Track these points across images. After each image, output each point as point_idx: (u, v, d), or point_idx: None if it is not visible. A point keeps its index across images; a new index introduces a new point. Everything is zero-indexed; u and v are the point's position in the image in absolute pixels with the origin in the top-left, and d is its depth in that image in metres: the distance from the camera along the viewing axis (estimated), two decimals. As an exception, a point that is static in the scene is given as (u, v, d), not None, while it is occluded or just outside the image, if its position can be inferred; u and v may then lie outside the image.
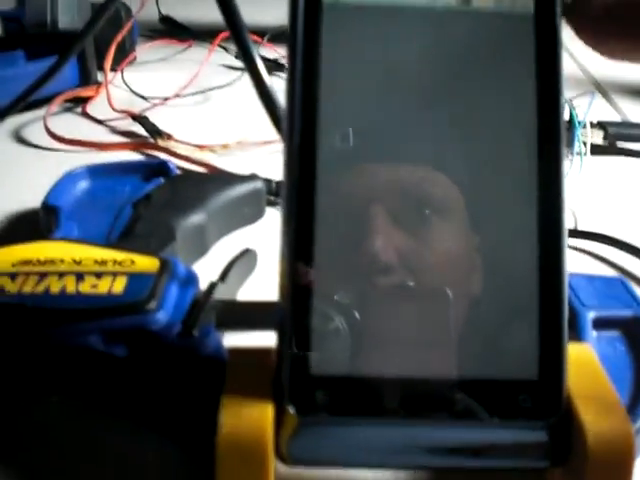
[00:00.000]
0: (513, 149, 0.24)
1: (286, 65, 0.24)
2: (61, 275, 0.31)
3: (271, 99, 0.33)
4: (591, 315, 0.32)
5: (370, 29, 0.25)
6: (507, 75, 0.25)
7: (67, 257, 0.32)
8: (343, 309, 0.23)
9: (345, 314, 0.23)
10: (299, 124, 0.23)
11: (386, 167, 0.24)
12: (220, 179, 0.43)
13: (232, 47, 0.73)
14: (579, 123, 0.53)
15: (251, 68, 0.33)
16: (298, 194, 0.23)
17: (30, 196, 0.46)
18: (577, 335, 0.31)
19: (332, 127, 0.24)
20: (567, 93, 0.54)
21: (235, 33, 0.34)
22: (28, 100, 0.49)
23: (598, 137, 0.57)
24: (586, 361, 0.26)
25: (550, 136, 0.24)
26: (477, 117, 0.24)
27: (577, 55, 0.84)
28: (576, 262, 0.43)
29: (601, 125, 0.58)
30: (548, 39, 0.25)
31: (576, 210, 0.48)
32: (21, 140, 0.57)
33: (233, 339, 0.31)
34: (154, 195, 0.40)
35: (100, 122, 0.61)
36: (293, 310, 0.23)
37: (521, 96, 0.24)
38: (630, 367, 0.31)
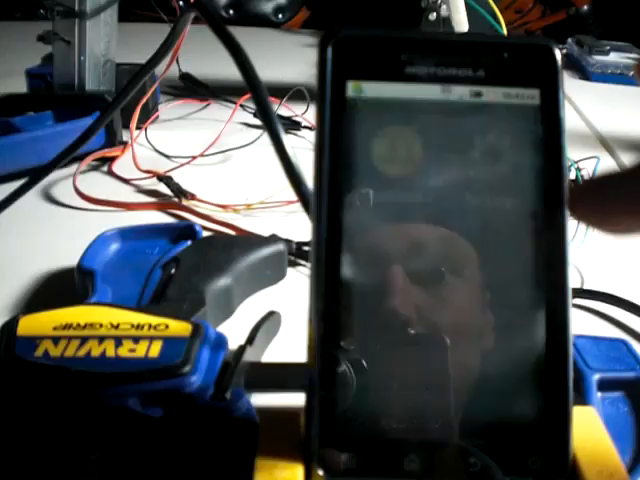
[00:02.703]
0: (522, 218, 0.26)
1: (313, 146, 0.26)
2: (101, 339, 0.33)
3: (290, 164, 0.35)
4: (596, 377, 0.34)
5: (390, 118, 0.27)
6: (517, 156, 0.27)
7: (105, 321, 0.35)
8: (365, 369, 0.25)
9: (368, 374, 0.25)
10: (326, 199, 0.26)
11: (406, 228, 0.26)
12: (244, 242, 0.45)
13: (250, 105, 0.76)
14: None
15: (276, 143, 0.36)
16: (326, 257, 0.25)
17: (62, 256, 0.48)
18: (583, 396, 0.33)
19: (355, 198, 0.26)
20: (574, 153, 0.56)
21: (258, 102, 0.36)
22: (64, 162, 0.52)
23: (604, 196, 0.59)
24: (590, 424, 0.28)
25: (555, 208, 0.26)
26: (490, 189, 0.27)
27: (583, 111, 0.87)
28: (582, 321, 0.45)
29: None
30: (552, 126, 0.27)
31: (582, 269, 0.51)
32: (51, 199, 0.60)
33: (262, 399, 0.33)
34: (182, 258, 0.43)
35: (126, 181, 0.64)
36: (321, 375, 0.25)
37: (529, 173, 0.27)
38: (632, 426, 0.33)
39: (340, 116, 0.27)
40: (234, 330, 0.38)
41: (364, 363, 0.25)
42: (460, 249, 0.26)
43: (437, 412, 0.25)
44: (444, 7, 0.90)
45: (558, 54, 0.27)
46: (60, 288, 0.46)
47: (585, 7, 1.76)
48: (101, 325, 0.34)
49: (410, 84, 0.27)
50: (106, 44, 0.71)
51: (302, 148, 0.70)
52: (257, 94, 0.36)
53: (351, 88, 0.27)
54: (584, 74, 1.05)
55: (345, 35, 0.27)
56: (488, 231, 0.26)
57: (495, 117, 0.27)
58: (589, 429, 0.28)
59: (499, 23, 0.76)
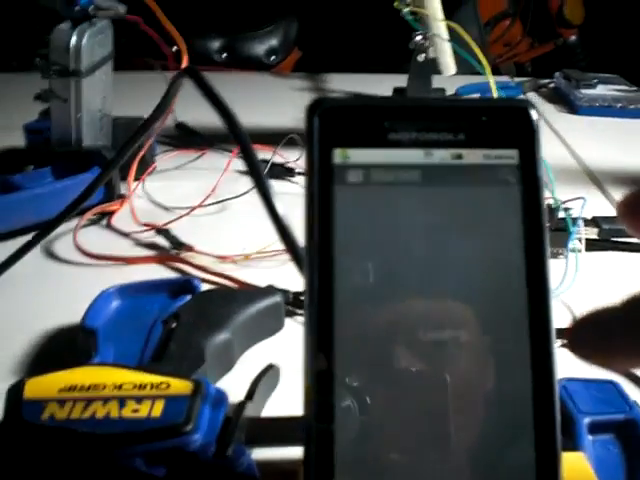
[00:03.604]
0: (507, 282, 0.28)
1: (304, 216, 0.28)
2: (105, 400, 0.34)
3: (280, 221, 0.37)
4: (587, 420, 0.35)
5: (376, 183, 0.28)
6: (499, 218, 0.28)
7: (109, 382, 0.36)
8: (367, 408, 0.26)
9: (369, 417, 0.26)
10: (317, 269, 0.27)
11: (403, 305, 0.27)
12: (242, 295, 0.47)
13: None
14: (574, 222, 0.56)
15: (265, 199, 0.37)
16: (319, 332, 0.26)
17: (65, 314, 0.49)
18: (574, 440, 0.34)
19: (347, 272, 0.27)
20: (562, 190, 0.58)
21: (248, 161, 0.38)
22: (66, 218, 0.53)
23: (592, 233, 0.61)
24: (580, 471, 0.29)
25: (536, 263, 0.27)
26: (475, 256, 0.28)
27: (571, 145, 0.88)
28: (572, 362, 0.46)
29: (595, 222, 0.61)
30: (531, 184, 0.28)
31: (573, 308, 0.52)
32: (52, 256, 0.61)
33: (264, 453, 0.34)
34: (182, 314, 0.44)
35: (125, 234, 0.65)
36: (317, 419, 0.26)
37: (512, 235, 0.28)
38: (623, 468, 0.33)
39: (328, 184, 0.28)
40: (234, 384, 0.39)
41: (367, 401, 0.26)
42: (455, 314, 0.27)
43: (436, 456, 0.26)
44: (432, 49, 0.92)
45: (534, 115, 0.29)
46: (64, 347, 0.47)
47: (573, 38, 1.79)
48: (105, 386, 0.35)
49: (394, 149, 0.28)
50: (102, 100, 0.73)
51: (296, 195, 0.71)
52: (248, 155, 0.37)
53: (338, 155, 0.28)
54: (572, 108, 1.06)
55: (331, 105, 0.28)
56: (477, 291, 0.27)
57: (476, 177, 0.28)
58: (579, 476, 0.28)
59: (483, 66, 0.77)
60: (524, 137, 0.28)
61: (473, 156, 0.28)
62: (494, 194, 0.28)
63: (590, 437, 0.34)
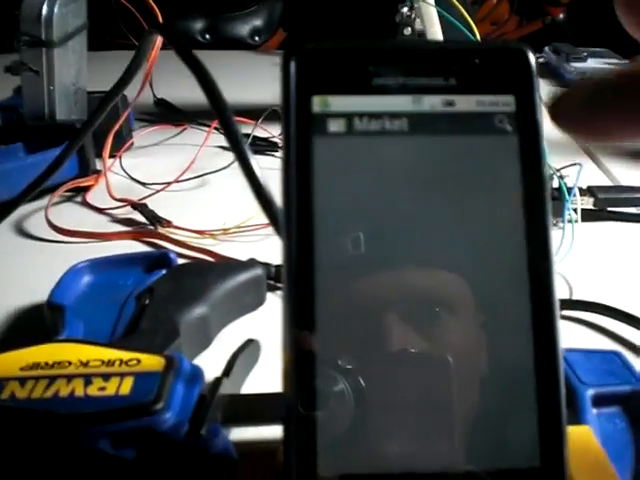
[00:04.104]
0: (505, 243, 0.25)
1: (280, 171, 0.25)
2: (69, 378, 0.32)
3: (262, 190, 0.34)
4: (590, 393, 0.33)
5: (359, 133, 0.26)
6: (495, 171, 0.26)
7: (75, 359, 0.33)
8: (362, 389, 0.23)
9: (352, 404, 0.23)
10: (296, 233, 0.24)
11: (394, 273, 0.25)
12: (220, 268, 0.44)
13: (226, 128, 0.75)
14: (569, 191, 0.54)
15: (244, 165, 0.35)
16: (298, 297, 0.24)
17: (34, 291, 0.47)
18: (577, 414, 0.32)
19: (329, 235, 0.24)
20: (555, 161, 0.55)
21: (222, 122, 0.35)
22: (34, 193, 0.50)
23: (588, 203, 0.58)
24: (586, 444, 0.27)
25: (537, 219, 0.25)
26: (470, 215, 0.25)
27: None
28: (572, 333, 0.44)
29: (591, 191, 0.59)
30: (530, 132, 0.26)
31: (570, 279, 0.49)
32: (22, 232, 0.58)
33: (240, 433, 0.32)
34: (156, 288, 0.41)
35: (101, 210, 0.62)
36: (301, 398, 0.23)
37: (509, 190, 0.25)
38: (630, 442, 0.31)
39: (306, 134, 0.25)
40: (212, 361, 0.36)
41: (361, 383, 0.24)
42: (450, 283, 0.25)
43: (438, 437, 0.24)
44: (418, 21, 0.89)
45: (532, 58, 0.26)
46: (30, 325, 0.45)
47: (561, 16, 1.76)
48: (70, 363, 0.33)
49: (378, 96, 0.26)
50: (76, 72, 0.70)
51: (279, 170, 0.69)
52: (222, 116, 0.35)
53: (317, 103, 0.25)
54: (562, 81, 1.04)
55: (308, 48, 0.26)
56: (472, 253, 0.25)
57: (469, 127, 0.26)
58: (585, 449, 0.26)
59: (474, 34, 0.75)
60: (521, 82, 0.26)
61: (466, 103, 0.26)
62: (489, 144, 0.26)
63: (594, 410, 0.32)
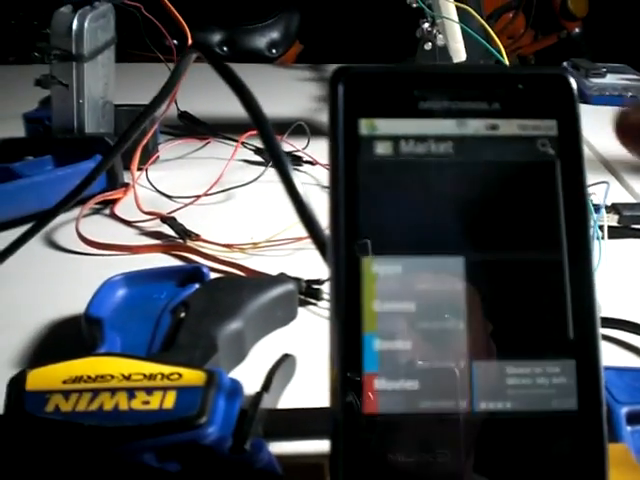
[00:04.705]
0: (546, 264, 0.26)
1: (328, 193, 0.26)
2: (113, 392, 0.32)
3: (301, 201, 0.35)
4: (624, 410, 0.33)
5: (406, 156, 0.26)
6: (538, 193, 0.26)
7: (116, 372, 0.34)
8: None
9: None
10: (344, 255, 0.25)
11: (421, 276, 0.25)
12: (254, 283, 0.45)
13: (250, 142, 0.76)
14: (597, 209, 0.54)
15: (285, 179, 0.35)
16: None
17: (67, 304, 0.47)
18: (613, 431, 0.32)
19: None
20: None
21: (265, 139, 0.35)
22: (67, 206, 0.51)
23: (613, 220, 0.59)
24: (624, 461, 0.27)
25: (580, 243, 0.25)
26: (509, 231, 0.26)
27: (585, 134, 0.86)
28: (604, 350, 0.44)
29: (615, 208, 0.60)
30: (572, 156, 0.26)
31: (599, 295, 0.50)
32: (53, 245, 0.59)
33: (283, 447, 0.32)
34: (192, 302, 0.42)
35: (129, 223, 0.63)
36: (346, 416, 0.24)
37: (551, 211, 0.26)
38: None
39: (354, 156, 0.26)
40: (248, 375, 0.37)
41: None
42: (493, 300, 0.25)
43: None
44: (440, 36, 0.90)
45: (573, 83, 0.27)
46: (67, 337, 0.45)
47: (576, 30, 1.77)
48: (112, 377, 0.33)
49: (425, 119, 0.26)
50: (104, 86, 0.71)
51: (304, 183, 0.70)
52: (265, 133, 0.35)
53: (364, 125, 0.26)
54: (582, 97, 1.04)
55: (356, 72, 0.26)
56: (512, 276, 0.25)
57: (512, 150, 0.27)
58: (624, 468, 0.27)
59: (497, 49, 0.75)
60: (563, 106, 0.27)
61: (509, 126, 0.27)
62: (532, 168, 0.26)
63: (629, 428, 0.32)
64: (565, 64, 1.15)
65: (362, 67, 0.27)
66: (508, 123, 0.27)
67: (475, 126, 0.26)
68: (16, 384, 0.33)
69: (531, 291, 0.25)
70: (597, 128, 0.89)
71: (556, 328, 0.25)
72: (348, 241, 0.25)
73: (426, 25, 0.92)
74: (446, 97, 0.27)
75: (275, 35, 1.72)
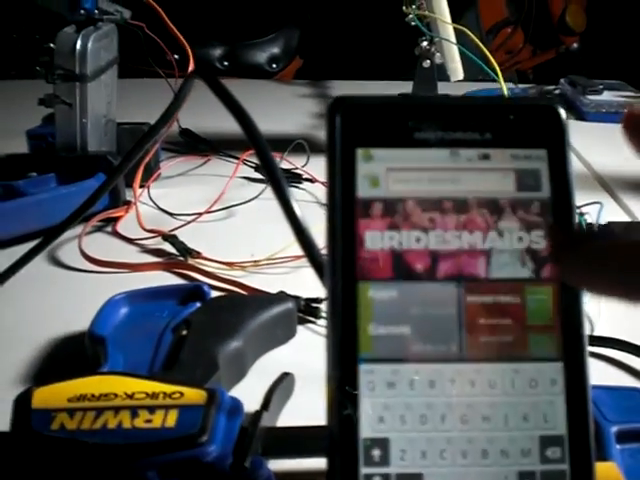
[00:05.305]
0: (537, 285, 0.26)
1: (326, 220, 0.26)
2: (116, 410, 0.33)
3: (300, 226, 0.36)
4: (614, 429, 0.34)
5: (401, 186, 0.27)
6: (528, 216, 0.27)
7: (120, 391, 0.34)
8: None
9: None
10: (341, 278, 0.26)
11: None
12: (254, 302, 0.46)
13: (251, 159, 0.76)
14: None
15: (282, 199, 0.36)
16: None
17: (69, 321, 0.48)
18: (602, 450, 0.33)
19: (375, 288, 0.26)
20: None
21: (268, 171, 0.37)
22: (71, 225, 0.52)
23: (607, 239, 0.60)
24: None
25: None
26: (501, 254, 0.27)
27: (581, 152, 0.87)
28: (593, 369, 0.45)
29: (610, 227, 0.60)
30: (561, 186, 0.27)
31: (591, 314, 0.51)
32: (57, 262, 0.60)
33: (281, 465, 0.33)
34: (193, 320, 0.43)
35: (131, 241, 0.64)
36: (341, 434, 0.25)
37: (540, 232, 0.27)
38: (653, 479, 0.32)
39: (351, 183, 0.27)
40: (248, 392, 0.38)
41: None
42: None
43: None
44: (438, 55, 0.91)
45: (563, 114, 0.28)
46: (71, 354, 0.46)
47: (575, 45, 1.78)
48: (116, 395, 0.34)
49: (419, 149, 0.27)
50: (107, 105, 0.72)
51: (304, 201, 0.71)
52: (264, 158, 0.36)
53: (360, 155, 0.27)
54: (579, 114, 1.05)
55: (353, 103, 0.27)
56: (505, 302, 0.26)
57: (504, 179, 0.28)
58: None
59: (492, 69, 0.76)
60: (553, 136, 0.28)
61: (500, 155, 0.28)
62: (522, 197, 0.27)
63: (618, 446, 0.33)
64: (562, 81, 1.16)
65: (359, 97, 0.28)
66: (499, 152, 0.28)
67: (467, 156, 0.27)
68: (22, 402, 0.34)
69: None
70: (593, 146, 0.91)
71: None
72: (345, 265, 0.26)
73: (425, 43, 0.93)
74: (439, 127, 0.28)
75: (275, 50, 1.73)
